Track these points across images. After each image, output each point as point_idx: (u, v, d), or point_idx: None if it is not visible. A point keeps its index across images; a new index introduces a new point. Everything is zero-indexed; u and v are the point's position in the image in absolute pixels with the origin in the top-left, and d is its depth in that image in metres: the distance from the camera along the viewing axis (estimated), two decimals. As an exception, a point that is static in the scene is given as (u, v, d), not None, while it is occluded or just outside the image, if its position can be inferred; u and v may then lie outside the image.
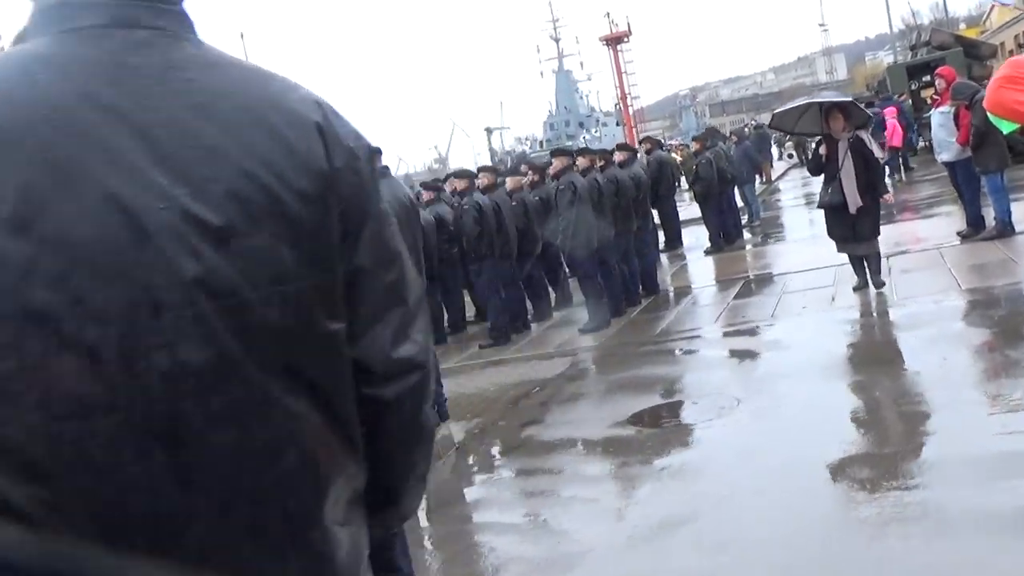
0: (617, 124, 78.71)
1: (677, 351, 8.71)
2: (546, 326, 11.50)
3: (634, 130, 47.15)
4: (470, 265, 11.02)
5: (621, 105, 66.55)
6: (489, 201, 10.89)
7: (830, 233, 9.46)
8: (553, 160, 10.98)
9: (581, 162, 10.93)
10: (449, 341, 11.77)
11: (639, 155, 15.45)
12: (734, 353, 8.19)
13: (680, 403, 6.89)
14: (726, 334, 9.00)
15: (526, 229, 11.38)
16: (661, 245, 16.44)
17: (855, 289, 9.38)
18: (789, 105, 10.45)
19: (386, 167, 7.03)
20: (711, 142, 15.77)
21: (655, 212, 15.85)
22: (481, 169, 11.84)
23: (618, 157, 12.14)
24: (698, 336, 9.16)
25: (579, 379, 8.33)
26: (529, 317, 11.75)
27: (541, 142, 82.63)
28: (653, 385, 7.48)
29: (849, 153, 9.03)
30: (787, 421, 5.92)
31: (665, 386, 7.38)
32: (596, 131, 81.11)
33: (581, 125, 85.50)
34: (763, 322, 9.12)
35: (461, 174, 11.53)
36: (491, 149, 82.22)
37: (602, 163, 11.43)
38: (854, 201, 9.00)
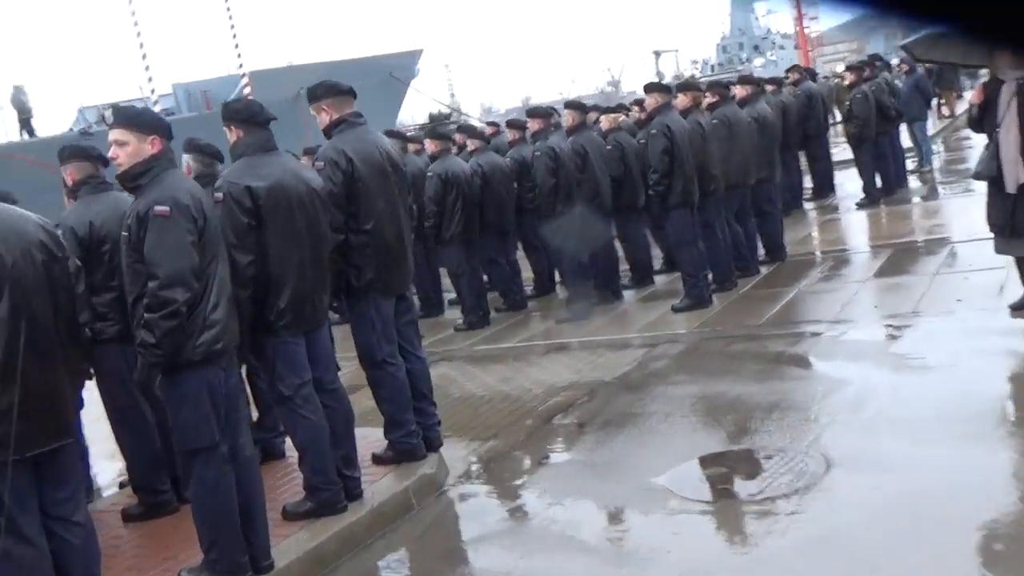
0: (796, 47, 73.43)
1: (775, 356, 6.55)
2: (642, 295, 9.51)
3: (809, 54, 42.97)
4: (544, 222, 9.04)
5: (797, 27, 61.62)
6: (569, 146, 8.93)
7: (989, 220, 6.20)
8: (647, 96, 8.82)
9: (681, 100, 8.69)
10: (531, 306, 9.93)
11: (784, 88, 13.01)
12: (846, 372, 5.93)
13: (747, 455, 4.86)
14: (846, 335, 6.77)
15: (623, 178, 9.36)
16: (807, 194, 13.99)
17: (1013, 309, 6.29)
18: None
19: (357, 112, 5.33)
20: (871, 72, 13.02)
21: (802, 154, 13.52)
22: (567, 105, 9.72)
23: (738, 93, 9.82)
24: (809, 334, 6.95)
25: (639, 388, 6.37)
26: (626, 283, 9.78)
27: (712, 66, 77.98)
28: (724, 414, 5.47)
29: (1015, 102, 5.84)
30: (893, 519, 3.84)
31: (738, 419, 5.34)
32: (772, 54, 75.73)
33: (756, 48, 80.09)
34: (899, 320, 6.85)
35: (535, 112, 9.54)
36: (658, 73, 78.14)
37: (714, 100, 9.15)
38: (1013, 175, 5.84)
